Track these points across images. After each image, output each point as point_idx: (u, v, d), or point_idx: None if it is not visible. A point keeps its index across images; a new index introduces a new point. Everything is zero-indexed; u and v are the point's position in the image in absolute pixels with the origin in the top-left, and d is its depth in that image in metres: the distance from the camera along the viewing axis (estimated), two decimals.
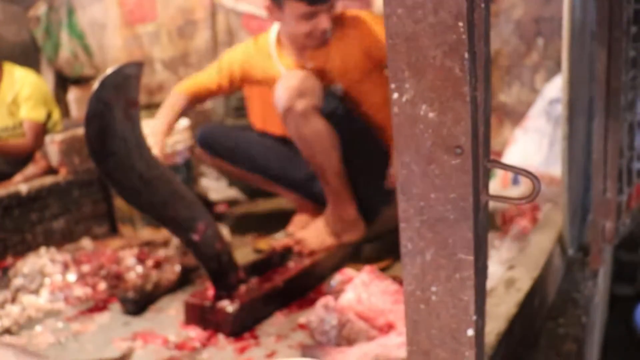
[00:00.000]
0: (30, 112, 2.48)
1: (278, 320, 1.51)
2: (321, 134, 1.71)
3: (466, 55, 0.58)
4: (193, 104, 2.02)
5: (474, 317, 0.67)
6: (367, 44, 1.80)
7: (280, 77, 1.79)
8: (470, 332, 0.67)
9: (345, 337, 1.16)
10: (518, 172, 0.65)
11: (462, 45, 0.58)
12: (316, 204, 1.98)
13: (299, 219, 2.02)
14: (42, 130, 2.50)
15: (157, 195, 1.30)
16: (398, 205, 0.67)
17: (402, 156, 0.65)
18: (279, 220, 2.25)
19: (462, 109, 0.60)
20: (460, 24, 0.58)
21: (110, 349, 1.44)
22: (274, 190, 2.14)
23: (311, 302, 1.56)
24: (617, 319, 2.26)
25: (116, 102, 1.19)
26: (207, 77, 2.01)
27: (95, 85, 1.15)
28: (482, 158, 0.65)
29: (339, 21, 1.85)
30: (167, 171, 1.33)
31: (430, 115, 0.62)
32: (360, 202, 1.82)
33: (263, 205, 2.58)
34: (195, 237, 1.39)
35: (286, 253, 1.70)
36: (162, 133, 1.86)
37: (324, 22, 1.75)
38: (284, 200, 2.38)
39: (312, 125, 1.70)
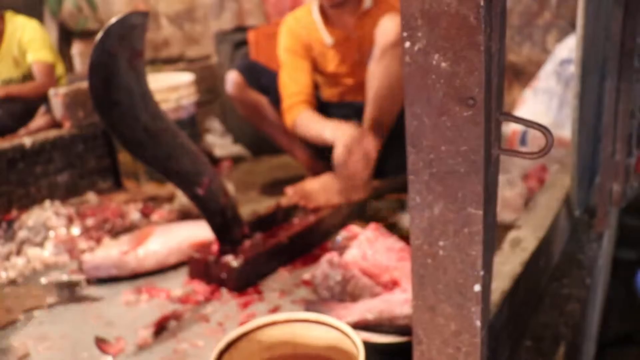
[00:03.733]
0: (37, 54, 2.46)
1: (282, 276, 1.51)
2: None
3: (482, 2, 0.56)
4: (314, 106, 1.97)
5: (482, 273, 0.66)
6: None
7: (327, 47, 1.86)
8: (477, 287, 0.67)
9: (349, 293, 1.17)
10: (531, 125, 0.63)
11: None
12: (327, 166, 1.98)
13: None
14: (52, 71, 2.47)
15: (162, 148, 1.29)
16: (407, 157, 0.65)
17: (412, 107, 0.63)
18: (285, 178, 2.26)
19: (476, 59, 0.58)
20: None
21: (117, 301, 1.45)
22: (287, 146, 2.12)
23: (315, 259, 1.57)
24: (619, 283, 2.27)
25: (121, 52, 1.16)
26: (299, 74, 1.94)
27: (100, 34, 1.13)
28: (495, 110, 0.63)
29: None
30: (172, 124, 1.31)
31: (443, 65, 0.60)
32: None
33: (268, 163, 2.57)
34: (200, 191, 1.38)
35: (291, 209, 1.70)
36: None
37: None
38: (288, 159, 2.37)
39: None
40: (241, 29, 2.80)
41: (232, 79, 2.04)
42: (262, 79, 2.05)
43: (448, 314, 0.71)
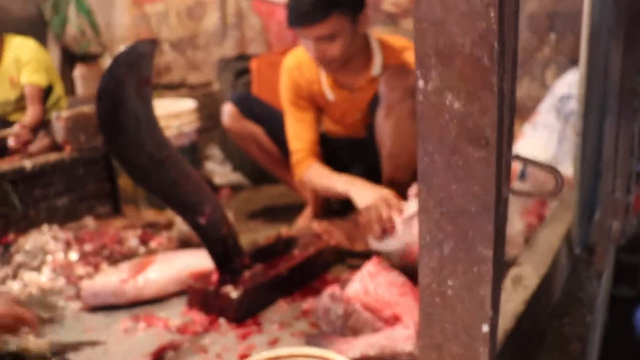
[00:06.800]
0: (31, 76, 2.46)
1: (281, 308, 1.50)
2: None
3: (496, 45, 0.57)
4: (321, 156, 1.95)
5: (490, 313, 0.66)
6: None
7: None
8: (486, 328, 0.66)
9: (351, 328, 1.16)
10: (542, 167, 0.63)
11: (492, 35, 0.57)
12: (328, 203, 1.98)
13: (308, 212, 2.01)
14: (42, 95, 2.46)
15: (166, 176, 1.29)
16: (418, 195, 0.65)
17: (424, 145, 0.63)
18: (283, 207, 2.26)
19: (489, 100, 0.58)
20: (492, 12, 0.56)
21: (114, 329, 1.43)
22: (283, 176, 2.12)
23: (315, 291, 1.56)
24: (616, 321, 2.25)
25: (129, 79, 1.17)
26: (303, 127, 1.91)
27: (109, 62, 1.14)
28: (506, 151, 0.64)
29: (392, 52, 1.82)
30: (176, 152, 1.31)
31: (456, 105, 0.60)
32: None
33: (268, 192, 2.57)
34: (202, 220, 1.38)
35: (291, 240, 1.69)
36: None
37: (310, 50, 1.70)
38: (285, 189, 2.37)
39: None
40: (243, 57, 2.83)
41: (227, 110, 2.05)
42: (257, 109, 2.05)
43: (455, 354, 0.70)
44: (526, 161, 0.64)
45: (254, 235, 2.00)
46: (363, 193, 1.62)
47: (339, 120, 1.92)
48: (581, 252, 1.61)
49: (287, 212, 2.25)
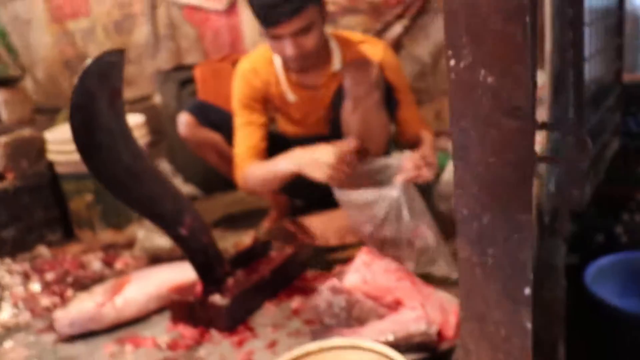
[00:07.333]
0: None
1: (269, 311, 1.49)
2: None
3: (527, 20, 0.60)
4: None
5: (531, 276, 0.69)
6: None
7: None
8: (528, 290, 0.69)
9: (356, 318, 1.17)
10: (569, 132, 0.67)
11: (523, 10, 0.60)
12: (291, 202, 1.97)
13: (273, 214, 1.99)
14: None
15: (144, 189, 1.25)
16: (454, 172, 0.67)
17: (459, 122, 0.65)
18: (242, 213, 2.24)
19: (523, 73, 0.61)
20: None
21: (99, 356, 1.37)
22: None
23: (299, 290, 1.56)
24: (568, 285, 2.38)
25: (100, 92, 1.12)
26: (252, 130, 1.86)
27: (79, 74, 1.09)
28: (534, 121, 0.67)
29: (350, 46, 1.82)
30: (152, 163, 1.28)
31: (489, 80, 0.63)
32: None
33: (221, 200, 2.53)
34: (184, 231, 1.35)
35: (268, 242, 1.68)
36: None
37: (287, 48, 1.66)
38: (241, 194, 2.34)
39: None
40: (181, 67, 2.77)
41: (183, 120, 1.98)
42: (213, 116, 2.00)
43: (498, 321, 0.72)
44: (551, 127, 0.67)
45: (221, 243, 1.96)
46: (312, 165, 1.61)
47: (300, 120, 1.91)
48: (549, 221, 1.70)
49: (247, 217, 2.24)
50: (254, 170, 1.81)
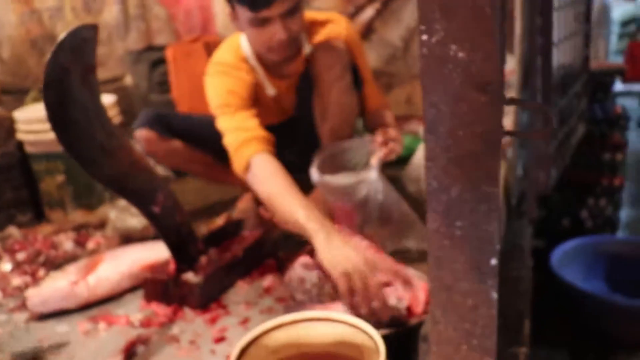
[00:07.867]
0: None
1: (242, 289, 1.50)
2: None
3: None
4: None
5: (497, 247, 0.71)
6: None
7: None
8: (494, 261, 0.71)
9: (327, 294, 1.19)
10: (535, 107, 0.69)
11: None
12: None
13: (247, 196, 1.97)
14: None
15: (119, 166, 1.24)
16: (425, 145, 0.69)
17: (429, 97, 0.67)
18: (213, 195, 2.24)
19: (491, 46, 0.63)
20: None
21: (74, 334, 1.37)
22: (221, 178, 2.01)
23: (271, 269, 1.58)
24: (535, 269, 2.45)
25: (74, 67, 1.11)
26: (244, 122, 1.60)
27: (53, 48, 1.08)
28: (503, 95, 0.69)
29: (316, 28, 1.76)
30: (126, 141, 1.27)
31: (460, 54, 0.65)
32: None
33: (192, 183, 2.53)
34: (156, 208, 1.35)
35: (240, 221, 1.69)
36: None
37: (278, 32, 1.54)
38: None
39: None
40: (152, 48, 2.74)
41: (142, 136, 1.84)
42: (172, 124, 1.89)
43: (465, 291, 0.75)
44: (520, 103, 0.70)
45: (194, 224, 1.97)
46: (332, 253, 1.21)
47: (274, 110, 1.86)
48: (516, 203, 1.74)
49: (219, 199, 2.24)
50: (265, 174, 1.50)
